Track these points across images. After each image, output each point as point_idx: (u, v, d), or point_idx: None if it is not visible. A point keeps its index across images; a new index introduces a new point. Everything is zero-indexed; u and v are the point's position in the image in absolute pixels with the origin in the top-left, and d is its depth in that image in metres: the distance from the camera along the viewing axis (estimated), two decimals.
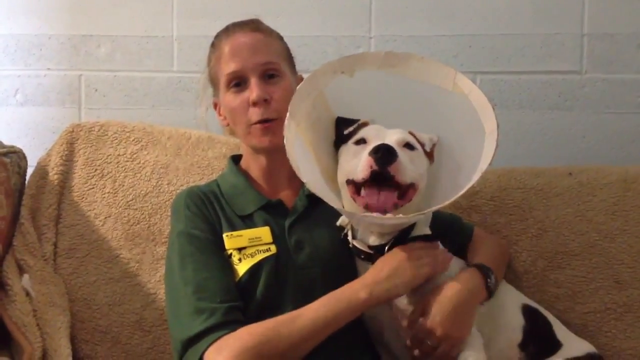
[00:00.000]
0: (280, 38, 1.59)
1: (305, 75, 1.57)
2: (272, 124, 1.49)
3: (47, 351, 1.54)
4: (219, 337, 1.34)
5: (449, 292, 1.36)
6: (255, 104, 1.49)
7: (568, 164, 1.86)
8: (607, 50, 1.97)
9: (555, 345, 1.49)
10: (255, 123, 1.50)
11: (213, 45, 1.59)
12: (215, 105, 1.62)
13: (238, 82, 1.51)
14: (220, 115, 1.61)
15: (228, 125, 1.60)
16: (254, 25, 1.57)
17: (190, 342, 1.36)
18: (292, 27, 1.67)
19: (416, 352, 1.36)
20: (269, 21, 1.60)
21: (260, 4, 1.96)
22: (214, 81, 1.59)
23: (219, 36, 1.58)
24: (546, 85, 1.99)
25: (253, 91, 1.49)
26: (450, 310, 1.34)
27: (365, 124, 1.43)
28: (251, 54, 1.51)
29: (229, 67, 1.52)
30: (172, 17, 2.06)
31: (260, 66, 1.51)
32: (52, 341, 1.56)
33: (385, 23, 2.02)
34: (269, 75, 1.52)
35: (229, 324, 1.36)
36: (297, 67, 1.61)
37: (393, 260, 1.37)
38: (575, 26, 1.98)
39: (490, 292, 1.42)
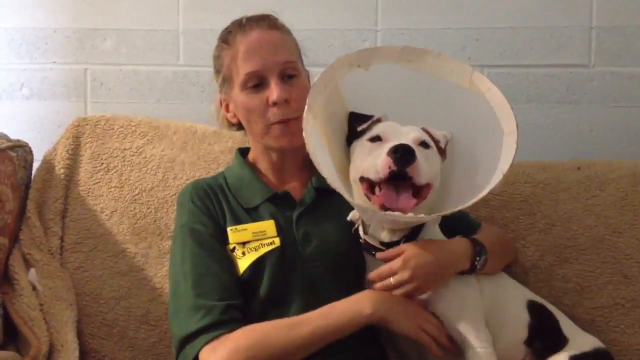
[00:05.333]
0: (291, 33, 1.57)
1: (312, 70, 1.56)
2: (291, 124, 1.47)
3: (53, 345, 1.55)
4: (215, 337, 1.34)
5: (431, 247, 1.37)
6: (275, 104, 1.47)
7: (576, 158, 1.85)
8: (616, 43, 1.96)
9: (561, 340, 1.48)
10: (275, 123, 1.48)
11: (226, 41, 1.54)
12: (221, 103, 1.59)
13: (256, 82, 1.48)
14: (228, 112, 1.58)
15: (237, 122, 1.58)
16: (270, 22, 1.54)
17: (187, 339, 1.37)
18: (297, 20, 1.65)
19: (377, 285, 1.36)
20: (274, 15, 1.58)
21: None
22: (225, 78, 1.54)
23: (232, 32, 1.53)
24: (554, 78, 1.98)
25: (274, 92, 1.46)
26: (426, 261, 1.35)
27: (379, 121, 1.43)
28: (270, 53, 1.49)
29: (246, 66, 1.48)
30: (178, 10, 2.06)
31: (280, 65, 1.49)
32: (59, 335, 1.56)
33: (392, 16, 2.01)
34: (288, 76, 1.50)
35: (225, 322, 1.36)
36: (303, 62, 1.60)
37: (411, 304, 1.37)
38: (584, 19, 1.97)
39: (473, 266, 1.42)
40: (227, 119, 1.60)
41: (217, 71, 1.57)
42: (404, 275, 1.34)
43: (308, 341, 1.34)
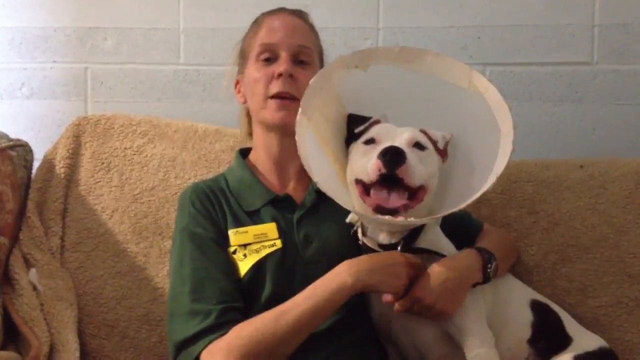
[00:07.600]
0: (318, 35, 1.61)
1: None
2: (289, 102, 1.48)
3: (54, 346, 1.54)
4: (212, 341, 1.33)
5: (439, 268, 1.36)
6: (280, 75, 1.49)
7: (579, 157, 1.84)
8: (618, 41, 1.95)
9: (565, 340, 1.47)
10: (273, 97, 1.49)
11: (255, 21, 1.60)
12: (236, 84, 1.62)
13: (269, 56, 1.52)
14: (239, 93, 1.62)
15: (244, 102, 1.60)
16: (300, 13, 1.60)
17: (184, 344, 1.36)
18: None
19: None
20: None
21: None
22: (243, 54, 1.59)
23: (263, 14, 1.60)
24: (556, 76, 1.97)
25: (281, 64, 1.50)
26: (439, 283, 1.34)
27: (377, 122, 1.42)
28: (289, 33, 1.53)
29: (264, 38, 1.53)
30: (179, 9, 2.05)
31: (294, 46, 1.52)
32: (60, 335, 1.56)
33: (394, 14, 2.00)
34: (299, 61, 1.53)
35: (222, 325, 1.35)
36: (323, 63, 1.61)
37: (388, 259, 1.36)
38: (586, 17, 1.96)
39: (486, 276, 1.41)
40: (246, 126, 1.65)
41: (241, 48, 1.62)
42: (425, 300, 1.33)
43: (297, 327, 1.32)
